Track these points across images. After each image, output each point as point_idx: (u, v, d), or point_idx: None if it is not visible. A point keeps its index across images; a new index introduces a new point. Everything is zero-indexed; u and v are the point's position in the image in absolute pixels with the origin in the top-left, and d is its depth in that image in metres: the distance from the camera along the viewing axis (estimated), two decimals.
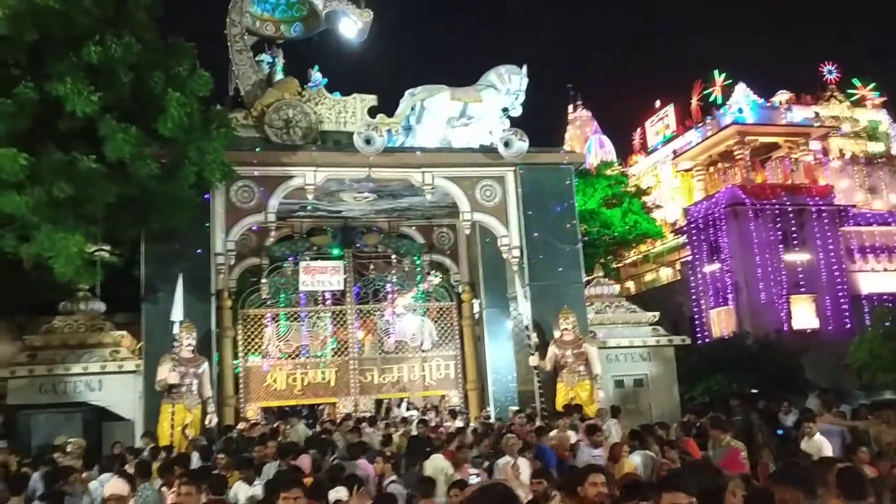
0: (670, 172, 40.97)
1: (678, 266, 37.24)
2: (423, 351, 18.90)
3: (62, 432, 13.08)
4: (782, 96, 37.47)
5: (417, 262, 19.56)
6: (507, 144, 16.10)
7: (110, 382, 14.55)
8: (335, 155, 15.80)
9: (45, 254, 11.74)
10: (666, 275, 38.76)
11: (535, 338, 15.28)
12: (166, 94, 12.32)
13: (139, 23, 12.54)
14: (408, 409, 19.19)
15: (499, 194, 16.50)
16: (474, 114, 16.58)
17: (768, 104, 36.21)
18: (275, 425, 15.00)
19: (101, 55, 11.45)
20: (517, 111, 16.82)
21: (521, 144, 16.12)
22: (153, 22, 12.94)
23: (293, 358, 18.21)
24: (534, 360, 15.11)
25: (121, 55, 11.69)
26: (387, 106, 16.62)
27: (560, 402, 14.57)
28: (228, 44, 16.04)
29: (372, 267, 19.41)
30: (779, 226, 32.05)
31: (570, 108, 50.90)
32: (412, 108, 16.49)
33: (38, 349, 14.78)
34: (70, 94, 11.09)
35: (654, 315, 17.91)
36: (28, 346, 14.97)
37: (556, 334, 15.26)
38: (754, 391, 19.36)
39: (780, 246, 31.87)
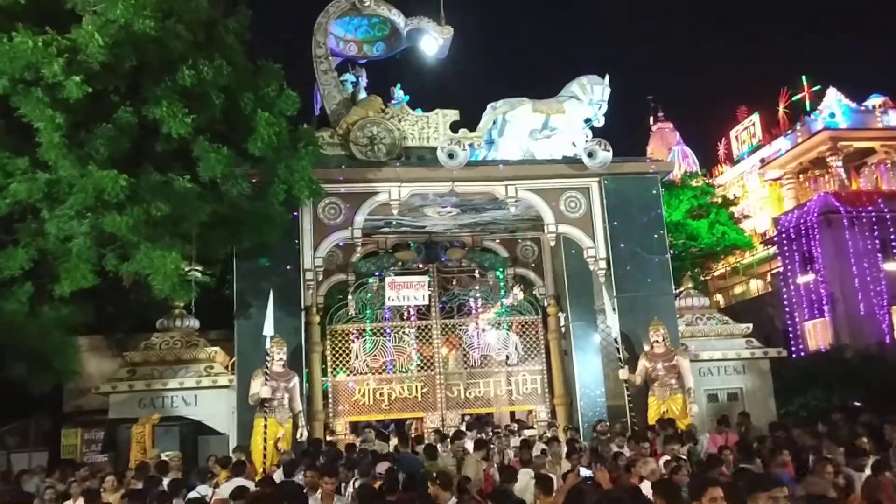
0: (758, 182, 39.80)
1: (769, 278, 36.03)
2: (508, 365, 18.77)
3: (160, 446, 13.47)
4: (876, 100, 35.98)
5: (501, 276, 19.49)
6: (591, 155, 15.92)
7: (205, 397, 14.97)
8: (419, 170, 15.93)
9: (144, 271, 12.14)
10: (756, 287, 37.53)
11: (623, 351, 14.99)
12: (256, 114, 12.67)
13: (229, 46, 12.95)
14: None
15: (583, 205, 16.32)
16: (557, 125, 16.48)
17: (861, 108, 34.81)
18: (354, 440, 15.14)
19: (194, 79, 11.85)
20: (600, 122, 16.66)
21: (605, 155, 15.92)
22: (242, 45, 13.34)
23: (380, 373, 18.34)
24: (623, 374, 14.82)
25: (212, 78, 12.08)
26: (469, 120, 16.70)
27: (652, 417, 14.23)
28: (314, 65, 16.40)
29: (456, 281, 19.43)
30: (876, 234, 30.63)
31: (652, 119, 50.17)
32: (494, 122, 16.51)
33: (138, 365, 15.32)
34: (166, 116, 11.51)
35: (747, 327, 17.36)
36: (128, 362, 15.53)
37: (646, 347, 14.95)
38: (857, 404, 18.48)
39: (879, 255, 30.43)
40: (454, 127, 16.54)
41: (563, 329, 18.69)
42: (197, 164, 12.17)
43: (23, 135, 10.91)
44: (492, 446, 12.89)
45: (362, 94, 16.96)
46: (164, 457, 12.20)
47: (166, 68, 11.87)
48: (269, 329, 13.58)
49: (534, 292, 19.60)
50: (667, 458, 9.35)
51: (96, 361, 17.71)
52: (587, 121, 16.54)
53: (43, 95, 10.48)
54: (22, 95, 10.56)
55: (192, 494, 9.14)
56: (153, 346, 15.68)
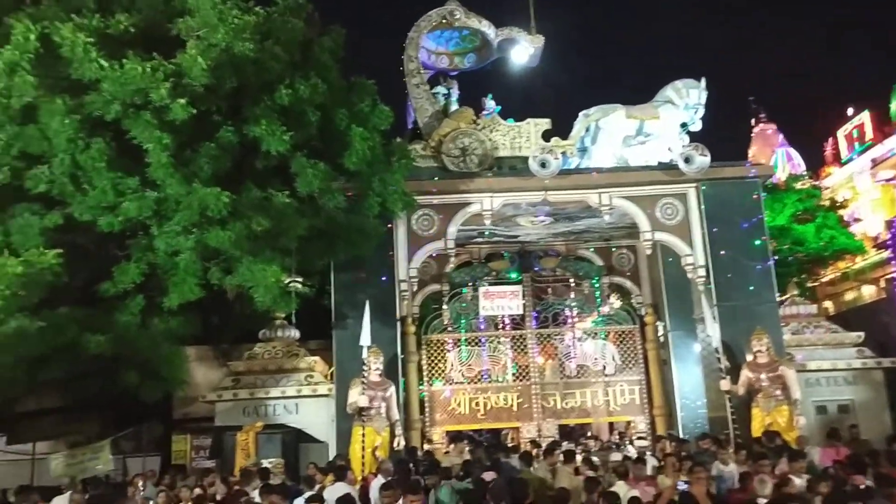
0: (869, 183, 37.91)
1: (883, 283, 34.22)
2: (605, 375, 18.48)
3: (264, 453, 13.90)
4: None
5: (597, 285, 19.24)
6: (687, 160, 15.57)
7: (305, 405, 15.39)
8: (511, 180, 15.95)
9: (246, 284, 12.58)
10: (869, 293, 35.71)
11: (725, 361, 14.54)
12: (350, 129, 12.99)
13: (323, 64, 13.32)
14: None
15: (681, 212, 15.96)
16: (651, 131, 16.20)
17: None
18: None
19: (292, 97, 12.25)
20: (697, 126, 16.27)
21: (702, 160, 15.54)
22: (336, 63, 13.70)
23: (475, 382, 18.38)
24: (725, 385, 14.37)
25: (308, 96, 12.45)
26: (561, 129, 16.62)
27: (756, 429, 13.76)
28: (405, 79, 16.68)
29: (550, 291, 19.30)
30: None
31: (753, 121, 48.49)
32: (587, 129, 16.37)
33: (241, 374, 15.88)
34: (265, 134, 11.93)
35: (858, 335, 16.57)
36: (232, 372, 16.11)
37: (749, 357, 14.47)
38: None
39: None
40: (546, 136, 16.49)
41: (661, 339, 18.28)
42: (295, 179, 12.57)
43: (133, 156, 11.50)
44: (595, 459, 12.72)
45: (454, 106, 17.13)
46: (266, 464, 12.59)
47: (265, 88, 12.32)
48: (365, 339, 13.83)
49: (631, 301, 19.27)
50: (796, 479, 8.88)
51: (203, 371, 18.40)
52: (683, 125, 16.19)
53: (151, 118, 11.03)
54: (132, 119, 11.14)
55: (298, 500, 9.41)
56: (256, 355, 16.21)
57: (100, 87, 10.99)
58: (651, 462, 11.99)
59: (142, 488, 11.71)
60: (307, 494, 9.34)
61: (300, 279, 15.33)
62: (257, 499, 9.56)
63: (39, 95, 11.03)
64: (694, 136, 16.21)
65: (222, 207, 11.30)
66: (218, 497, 10.38)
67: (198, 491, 10.26)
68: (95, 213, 11.48)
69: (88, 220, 11.55)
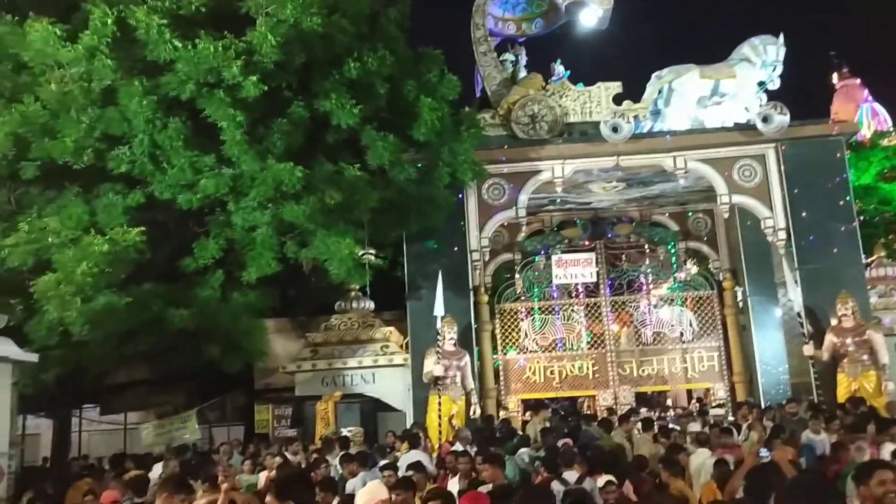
0: None
1: None
2: (683, 342, 18.19)
3: (343, 422, 14.20)
4: None
5: (672, 251, 18.88)
6: (765, 120, 15.06)
7: (382, 375, 15.62)
8: (582, 146, 15.72)
9: (321, 257, 12.80)
10: None
11: (808, 326, 14.12)
12: (419, 100, 12.98)
13: (390, 36, 13.32)
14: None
15: (759, 174, 15.48)
16: (727, 91, 15.68)
17: None
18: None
19: (360, 70, 12.31)
20: (775, 84, 15.69)
21: (781, 119, 15.01)
22: (402, 34, 13.68)
23: (549, 351, 18.32)
24: (808, 350, 13.97)
25: (376, 68, 12.49)
26: (632, 92, 16.26)
27: (842, 395, 13.36)
28: (473, 47, 16.54)
29: (625, 257, 19.03)
30: None
31: (836, 76, 46.50)
32: (659, 91, 15.95)
33: (319, 345, 16.21)
34: (335, 108, 12.03)
35: None
36: (310, 343, 16.46)
37: (833, 321, 14.01)
38: None
39: None
40: (617, 99, 16.16)
41: (740, 304, 17.87)
42: (365, 152, 12.68)
43: (208, 134, 11.77)
44: (675, 427, 12.58)
45: (522, 73, 16.91)
46: (346, 432, 12.86)
47: (333, 62, 12.40)
48: (439, 309, 13.92)
49: (708, 266, 18.86)
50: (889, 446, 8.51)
51: (282, 342, 18.84)
52: (761, 84, 15.63)
53: (224, 96, 11.24)
54: (206, 97, 11.38)
55: (375, 468, 9.59)
56: (333, 327, 16.51)
57: (174, 68, 11.26)
58: (731, 430, 11.77)
59: (228, 456, 12.09)
60: (382, 462, 9.51)
61: (373, 251, 15.48)
62: (338, 467, 9.79)
63: (118, 78, 11.35)
64: (772, 95, 15.67)
65: (296, 182, 11.48)
66: (300, 465, 10.64)
67: (280, 459, 10.52)
68: (175, 191, 11.81)
69: (168, 198, 11.89)
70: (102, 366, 13.84)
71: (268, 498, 3.87)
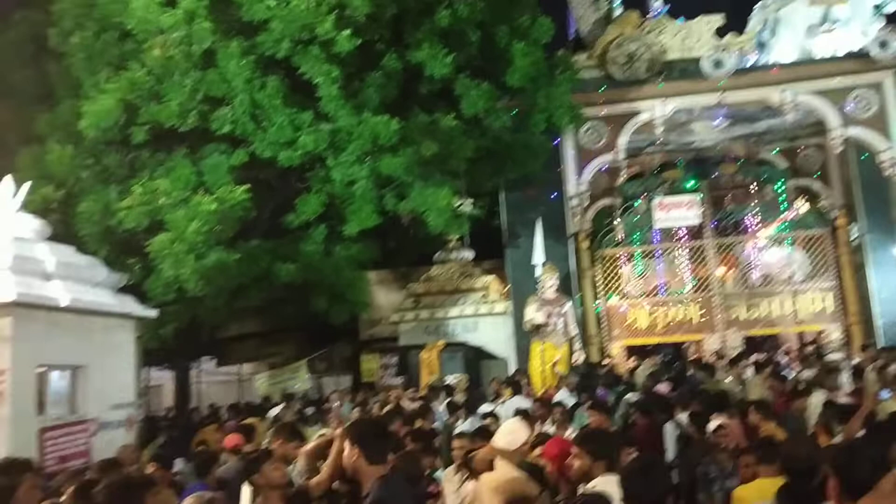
0: None
1: None
2: (793, 284, 17.52)
3: (447, 370, 14.41)
4: None
5: (781, 189, 18.10)
6: (883, 45, 14.13)
7: (483, 324, 15.75)
8: (682, 84, 15.18)
9: (419, 209, 12.91)
10: None
11: None
12: (511, 46, 12.78)
13: None
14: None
15: (875, 104, 14.60)
16: (839, 17, 14.77)
17: None
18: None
19: (451, 18, 12.19)
20: (893, 6, 14.65)
21: None
22: None
23: (652, 296, 18.01)
24: None
25: (468, 15, 12.35)
26: (736, 24, 15.56)
27: None
28: None
29: (730, 198, 18.37)
30: None
31: None
32: (765, 22, 15.19)
33: (421, 296, 16.46)
34: (428, 59, 12.00)
35: None
36: (412, 294, 16.72)
37: None
38: None
39: None
40: (720, 33, 15.46)
41: (855, 243, 17.03)
42: (460, 101, 12.61)
43: (305, 91, 11.95)
44: (789, 371, 12.22)
45: (617, 11, 16.34)
46: (450, 380, 13.07)
47: (424, 12, 12.33)
48: (538, 257, 13.86)
49: (819, 204, 18.00)
50: None
51: (384, 294, 19.20)
52: (877, 7, 14.63)
53: (319, 52, 11.37)
54: (301, 54, 11.53)
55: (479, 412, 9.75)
56: (433, 277, 16.71)
57: (269, 27, 11.43)
58: (847, 372, 11.35)
59: (338, 405, 12.50)
60: (483, 410, 9.64)
61: (470, 201, 15.50)
62: (444, 413, 9.97)
63: (216, 40, 11.62)
64: (891, 19, 14.65)
65: (392, 135, 11.57)
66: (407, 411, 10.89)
67: (389, 406, 10.80)
68: (276, 149, 12.08)
69: (270, 156, 12.17)
70: (216, 320, 14.45)
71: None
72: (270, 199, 13.25)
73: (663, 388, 10.27)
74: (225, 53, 11.56)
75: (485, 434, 6.18)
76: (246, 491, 5.57)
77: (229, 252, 11.82)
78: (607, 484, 3.78)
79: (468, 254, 16.90)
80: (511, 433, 5.23)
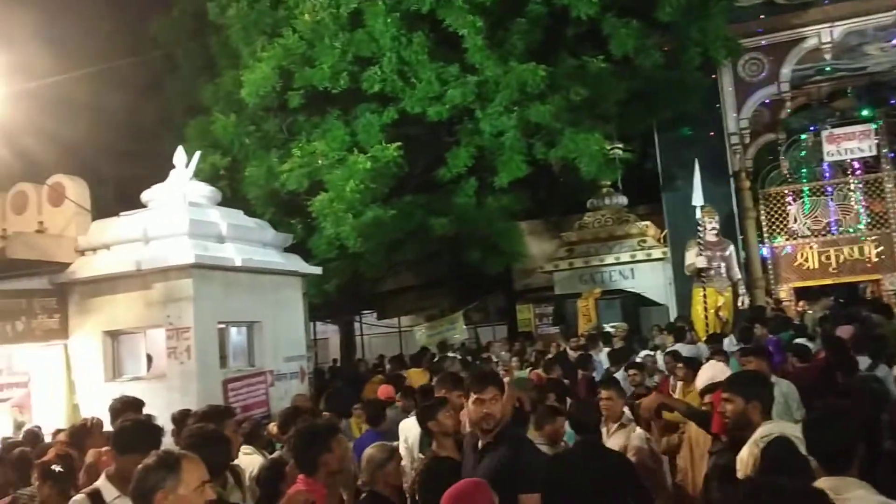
0: None
1: None
2: None
3: (605, 318, 14.26)
4: None
5: None
6: None
7: (640, 270, 15.41)
8: (854, 3, 13.96)
9: (570, 156, 12.67)
10: None
11: None
12: None
13: None
14: None
15: None
16: None
17: None
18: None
19: None
20: None
21: None
22: None
23: (822, 235, 16.96)
24: None
25: None
26: None
27: None
28: None
29: None
30: None
31: None
32: None
33: (574, 244, 16.29)
34: (573, 0, 11.64)
35: None
36: (565, 242, 16.57)
37: None
38: None
39: None
40: None
41: None
42: (608, 42, 12.22)
43: (451, 45, 11.94)
44: None
45: None
46: (608, 328, 12.92)
47: None
48: (697, 199, 13.31)
49: None
50: None
51: (537, 243, 19.12)
52: None
53: (462, 3, 11.30)
54: (445, 7, 11.51)
55: (637, 359, 9.61)
56: (586, 225, 16.48)
57: None
58: None
59: (497, 353, 12.67)
60: (643, 354, 9.51)
61: (622, 144, 15.06)
62: (605, 361, 9.89)
63: (362, 0, 11.78)
64: None
65: (539, 82, 11.38)
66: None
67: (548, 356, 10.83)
68: (424, 105, 12.17)
69: (419, 111, 12.29)
70: (375, 274, 14.92)
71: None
72: (421, 154, 13.41)
73: (845, 331, 9.67)
74: (371, 13, 11.72)
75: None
76: (409, 435, 5.79)
77: (385, 208, 12.13)
78: (784, 429, 3.62)
79: (622, 199, 16.52)
80: (713, 374, 5.13)
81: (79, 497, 3.21)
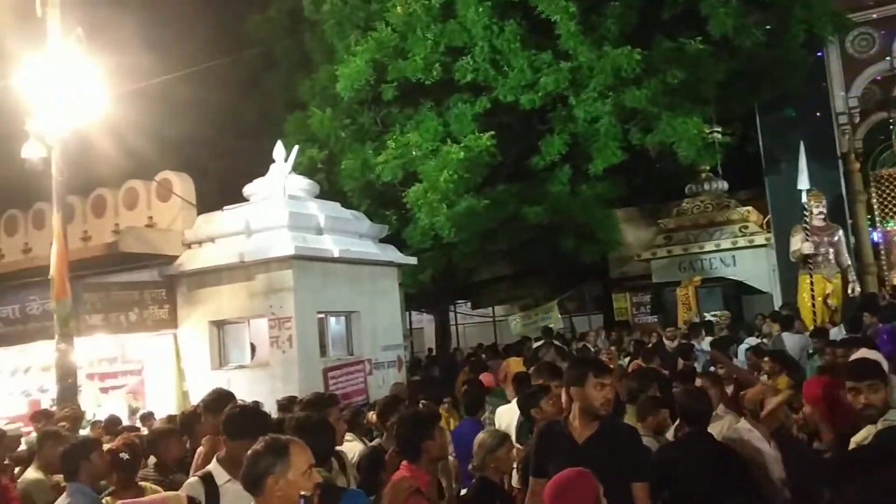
0: None
1: None
2: None
3: (706, 306, 13.88)
4: None
5: None
6: None
7: (742, 257, 14.96)
8: None
9: (668, 141, 12.37)
10: None
11: None
12: None
13: None
14: None
15: None
16: None
17: None
18: None
19: None
20: None
21: None
22: None
23: None
24: None
25: None
26: None
27: None
28: None
29: None
30: None
31: None
32: None
33: (672, 231, 15.92)
34: None
35: None
36: (663, 230, 16.22)
37: None
38: None
39: None
40: None
41: None
42: (706, 23, 11.86)
43: (543, 32, 11.83)
44: None
45: None
46: (710, 316, 12.57)
47: None
48: (803, 183, 12.78)
49: None
50: None
51: (633, 231, 18.76)
52: None
53: None
54: None
55: (742, 346, 9.32)
56: (685, 211, 16.07)
57: None
58: None
59: (595, 342, 12.51)
60: (747, 345, 9.17)
61: (720, 129, 14.59)
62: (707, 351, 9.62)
63: None
64: None
65: (635, 66, 11.16)
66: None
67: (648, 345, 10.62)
68: (517, 93, 12.10)
69: (511, 100, 12.23)
70: (469, 264, 14.97)
71: None
72: (514, 143, 13.36)
73: None
74: (463, 2, 11.72)
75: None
76: (505, 422, 5.78)
77: (478, 198, 12.15)
78: None
79: (722, 184, 16.02)
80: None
81: (192, 479, 3.34)
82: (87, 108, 8.12)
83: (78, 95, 7.99)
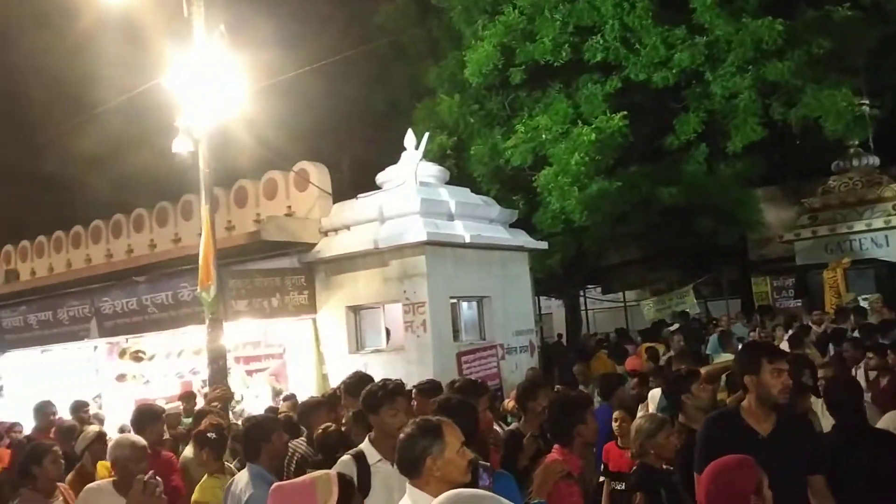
0: None
1: None
2: None
3: (856, 289, 13.07)
4: None
5: None
6: None
7: None
8: None
9: (813, 114, 11.69)
10: None
11: None
12: None
13: None
14: None
15: None
16: None
17: None
18: None
19: None
20: None
21: None
22: None
23: None
24: None
25: None
26: None
27: None
28: None
29: None
30: None
31: None
32: None
33: (817, 211, 15.12)
34: None
35: None
36: (807, 209, 15.42)
37: None
38: None
39: None
40: None
41: None
42: None
43: (676, 6, 11.43)
44: None
45: None
46: (861, 300, 11.84)
47: None
48: None
49: None
50: None
51: (774, 211, 17.88)
52: None
53: None
54: None
55: None
56: (831, 189, 15.21)
57: None
58: None
59: (733, 327, 12.02)
60: None
61: (869, 101, 13.63)
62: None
63: None
64: None
65: (777, 37, 10.64)
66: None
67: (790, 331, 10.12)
68: (649, 71, 11.76)
69: (643, 78, 11.89)
70: (599, 248, 14.70)
71: None
72: (646, 123, 12.97)
73: None
74: None
75: None
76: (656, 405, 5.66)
77: (610, 180, 11.90)
78: None
79: (873, 160, 15.02)
80: None
81: (346, 457, 3.43)
82: (231, 103, 8.47)
83: (222, 91, 8.34)
